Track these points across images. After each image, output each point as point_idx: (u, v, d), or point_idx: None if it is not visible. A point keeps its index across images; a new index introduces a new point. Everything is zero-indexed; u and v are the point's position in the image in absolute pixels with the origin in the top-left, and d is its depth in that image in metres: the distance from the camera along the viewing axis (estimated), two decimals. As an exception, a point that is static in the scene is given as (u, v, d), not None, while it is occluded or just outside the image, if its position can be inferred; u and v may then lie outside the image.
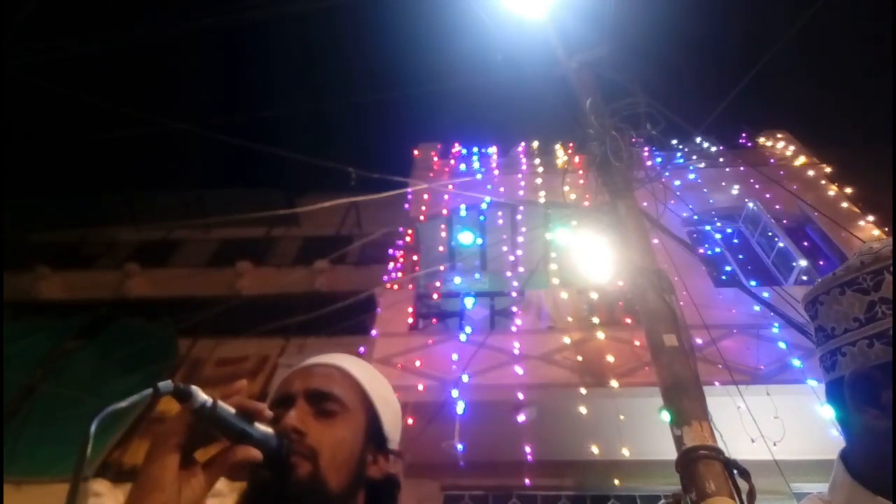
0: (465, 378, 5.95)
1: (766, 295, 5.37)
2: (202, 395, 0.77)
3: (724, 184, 9.06)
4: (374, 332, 6.84)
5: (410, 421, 5.50)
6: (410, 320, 7.31)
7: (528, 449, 5.96)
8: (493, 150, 10.58)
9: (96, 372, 7.60)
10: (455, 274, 8.53)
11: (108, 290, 9.96)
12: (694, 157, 9.59)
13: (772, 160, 9.83)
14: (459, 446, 5.65)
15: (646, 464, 5.93)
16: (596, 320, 6.79)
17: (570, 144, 7.42)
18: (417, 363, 6.29)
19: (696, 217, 8.20)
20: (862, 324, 0.76)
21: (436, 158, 10.36)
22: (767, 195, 8.56)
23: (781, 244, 7.81)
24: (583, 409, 5.77)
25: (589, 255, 4.94)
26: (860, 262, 0.79)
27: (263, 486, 0.87)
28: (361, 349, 6.48)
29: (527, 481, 6.05)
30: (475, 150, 10.62)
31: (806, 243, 8.25)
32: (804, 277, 7.17)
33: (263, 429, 0.84)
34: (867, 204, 8.20)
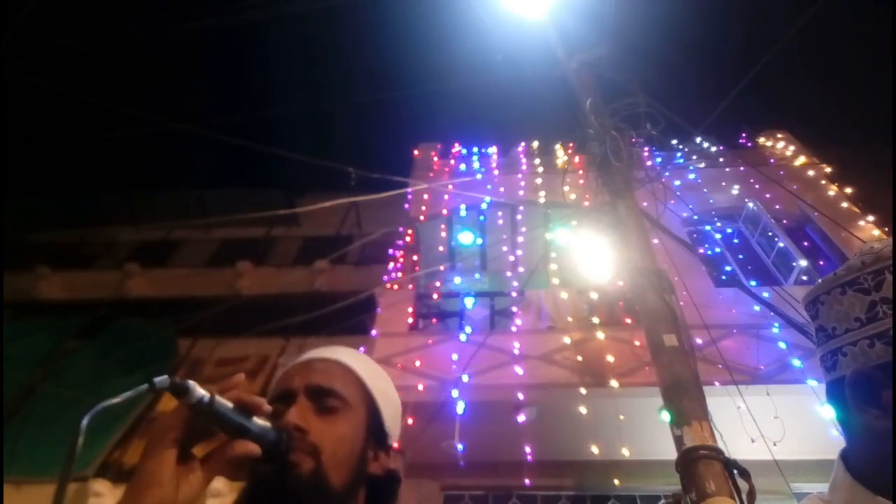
0: (465, 378, 5.95)
1: (766, 295, 5.37)
2: (199, 390, 0.75)
3: (724, 184, 9.06)
4: (374, 332, 6.84)
5: (410, 421, 5.50)
6: (410, 320, 7.31)
7: (528, 449, 5.96)
8: (493, 150, 10.58)
9: (96, 372, 7.60)
10: (455, 274, 8.53)
11: (108, 290, 9.96)
12: (694, 157, 9.59)
13: (772, 160, 9.83)
14: (459, 446, 5.65)
15: (646, 464, 5.93)
16: (596, 320, 6.79)
17: (570, 144, 7.42)
18: (417, 363, 6.30)
19: (696, 217, 8.20)
20: (863, 323, 0.76)
21: (436, 158, 10.36)
22: (767, 195, 8.56)
23: (781, 244, 7.81)
24: (583, 409, 5.77)
25: (589, 255, 4.94)
26: (861, 262, 0.79)
27: (264, 483, 0.87)
28: (361, 349, 6.41)
29: (527, 481, 6.05)
30: (475, 150, 10.63)
31: (806, 243, 8.25)
32: (804, 277, 7.17)
33: (262, 423, 0.83)
34: (867, 204, 8.20)
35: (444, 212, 9.07)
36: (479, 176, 9.67)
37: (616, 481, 6.06)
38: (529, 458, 5.96)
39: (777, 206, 8.52)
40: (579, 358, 6.18)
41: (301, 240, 11.46)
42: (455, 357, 6.28)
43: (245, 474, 0.90)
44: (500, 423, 5.87)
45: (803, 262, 7.27)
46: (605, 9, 5.09)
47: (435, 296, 8.17)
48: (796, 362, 5.69)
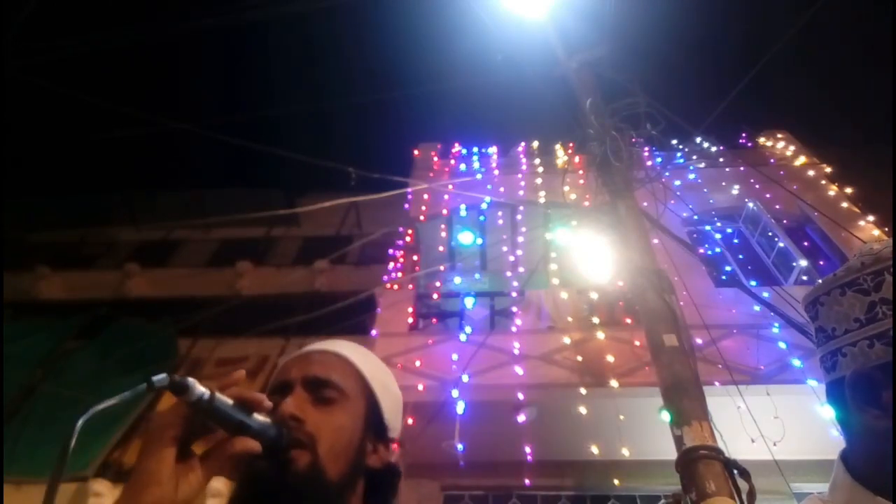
0: (465, 378, 5.95)
1: (766, 295, 5.37)
2: (199, 388, 0.74)
3: (724, 184, 9.06)
4: (374, 332, 6.84)
5: (410, 421, 5.50)
6: (410, 320, 7.31)
7: (528, 449, 5.96)
8: (493, 150, 10.58)
9: (96, 372, 7.60)
10: (455, 274, 8.53)
11: (108, 290, 9.96)
12: (694, 157, 9.59)
13: (772, 160, 9.83)
14: (459, 446, 5.65)
15: (646, 464, 5.93)
16: (596, 320, 6.79)
17: (570, 144, 7.42)
18: (417, 363, 6.30)
19: (696, 217, 8.20)
20: (862, 324, 0.76)
21: (436, 158, 10.36)
22: (767, 195, 8.56)
23: (781, 244, 7.81)
24: (583, 409, 5.77)
25: (589, 255, 4.94)
26: (860, 262, 0.79)
27: (261, 477, 0.85)
28: (361, 349, 6.47)
29: (527, 481, 6.05)
30: (475, 150, 10.62)
31: (806, 243, 8.25)
32: (804, 277, 7.17)
33: (262, 419, 0.82)
34: (867, 204, 8.20)
35: (444, 212, 9.07)
36: (479, 176, 9.67)
37: (616, 481, 6.06)
38: (529, 458, 5.96)
39: (777, 206, 8.52)
40: (579, 358, 6.18)
41: (301, 240, 11.46)
42: (455, 357, 6.28)
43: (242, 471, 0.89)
44: (500, 423, 5.87)
45: (803, 262, 7.27)
46: (605, 9, 5.10)
47: (435, 296, 8.17)
48: (796, 362, 5.69)
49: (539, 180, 9.33)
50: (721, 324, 5.98)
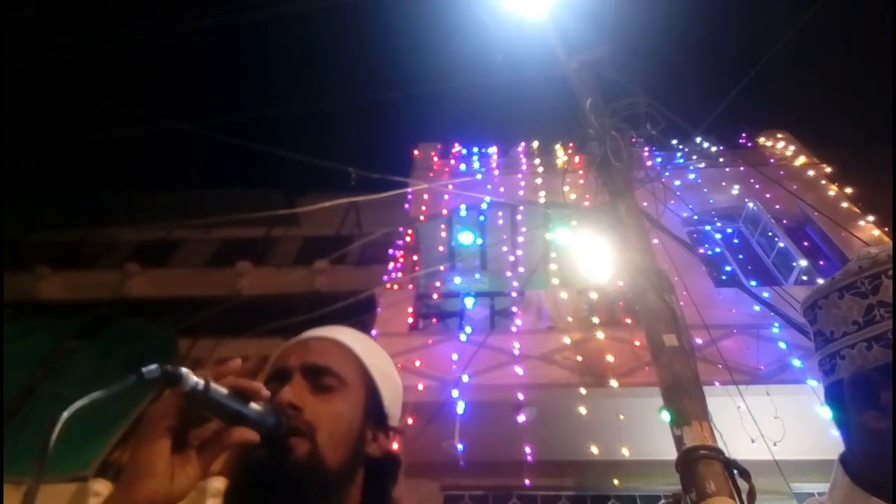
0: (465, 378, 5.95)
1: (766, 295, 5.37)
2: (193, 378, 0.72)
3: (724, 184, 9.06)
4: (374, 332, 6.84)
5: (410, 421, 5.51)
6: (410, 320, 7.31)
7: (528, 449, 5.96)
8: (493, 150, 10.58)
9: (96, 372, 7.60)
10: (455, 274, 8.53)
11: (108, 290, 9.97)
12: (694, 157, 9.59)
13: (772, 160, 9.83)
14: (459, 446, 5.65)
15: (646, 464, 5.93)
16: (596, 320, 6.79)
17: (570, 144, 7.42)
18: (417, 363, 6.30)
19: (696, 217, 8.19)
20: (860, 327, 0.77)
21: (436, 158, 10.36)
22: (767, 195, 8.56)
23: (781, 244, 7.81)
24: (583, 409, 5.77)
25: (589, 255, 4.94)
26: (858, 266, 0.80)
27: (258, 466, 0.84)
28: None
29: (527, 481, 6.05)
30: (475, 150, 10.62)
31: (806, 243, 8.25)
32: (804, 277, 7.17)
33: (259, 408, 0.80)
34: (867, 204, 8.20)
35: (444, 212, 9.07)
36: (479, 176, 9.67)
37: (616, 481, 6.06)
38: (529, 458, 5.96)
39: (777, 206, 8.52)
40: (579, 358, 6.18)
41: (301, 240, 11.47)
42: (455, 357, 6.28)
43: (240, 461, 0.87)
44: (500, 423, 5.86)
45: (803, 262, 7.27)
46: (605, 9, 5.10)
47: (435, 296, 8.17)
48: (796, 362, 5.69)
49: (539, 180, 9.32)
50: (721, 324, 5.98)
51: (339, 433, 0.91)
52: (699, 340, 4.95)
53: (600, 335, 6.31)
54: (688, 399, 3.24)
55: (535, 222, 8.68)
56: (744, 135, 10.61)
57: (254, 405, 0.79)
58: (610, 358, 6.06)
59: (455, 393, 5.83)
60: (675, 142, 8.28)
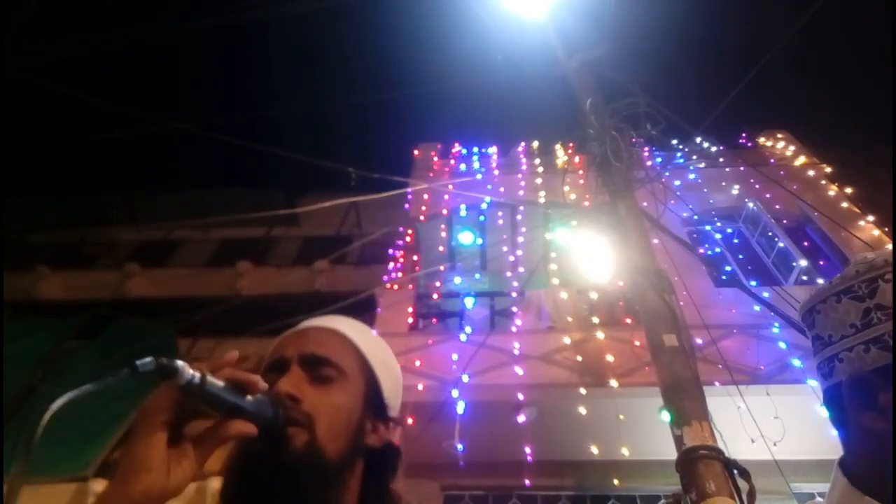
0: (465, 378, 5.95)
1: (766, 295, 5.37)
2: (189, 371, 0.70)
3: (724, 184, 9.06)
4: (374, 332, 6.83)
5: (410, 421, 5.50)
6: (410, 320, 7.31)
7: (528, 449, 5.96)
8: (493, 150, 10.58)
9: (96, 372, 7.59)
10: (455, 274, 8.53)
11: (108, 290, 9.96)
12: (694, 157, 9.59)
13: (772, 160, 9.83)
14: (459, 446, 5.65)
15: (646, 464, 5.93)
16: (596, 320, 6.79)
17: (570, 144, 7.41)
18: (417, 363, 6.29)
19: (696, 217, 8.20)
20: (858, 329, 0.79)
21: (436, 158, 10.36)
22: (767, 195, 8.56)
23: (781, 244, 7.80)
24: (582, 410, 5.77)
25: (589, 255, 4.94)
26: (855, 271, 0.82)
27: (256, 458, 0.83)
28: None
29: (527, 481, 6.05)
30: (475, 150, 10.62)
31: (806, 243, 8.25)
32: (804, 277, 7.17)
33: (257, 401, 0.78)
34: (867, 204, 8.20)
35: (444, 212, 9.07)
36: (479, 176, 9.67)
37: (616, 481, 6.06)
38: (529, 458, 5.95)
39: (777, 206, 8.52)
40: (579, 358, 6.18)
41: (301, 240, 11.46)
42: (455, 357, 6.28)
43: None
44: (500, 423, 5.86)
45: (803, 262, 7.27)
46: (605, 9, 5.10)
47: (435, 296, 8.17)
48: (796, 362, 5.69)
49: (539, 180, 9.33)
50: (721, 324, 5.98)
51: (338, 424, 0.90)
52: (699, 340, 4.95)
53: (600, 335, 6.31)
54: (688, 399, 3.24)
55: (535, 222, 8.68)
56: (744, 135, 10.61)
57: (251, 397, 0.78)
58: (610, 358, 6.06)
59: (455, 393, 5.83)
60: (675, 142, 8.27)
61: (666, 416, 3.27)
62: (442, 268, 8.57)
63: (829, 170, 9.14)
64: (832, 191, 8.75)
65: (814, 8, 4.67)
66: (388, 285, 7.68)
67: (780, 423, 4.79)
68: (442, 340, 6.68)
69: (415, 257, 8.65)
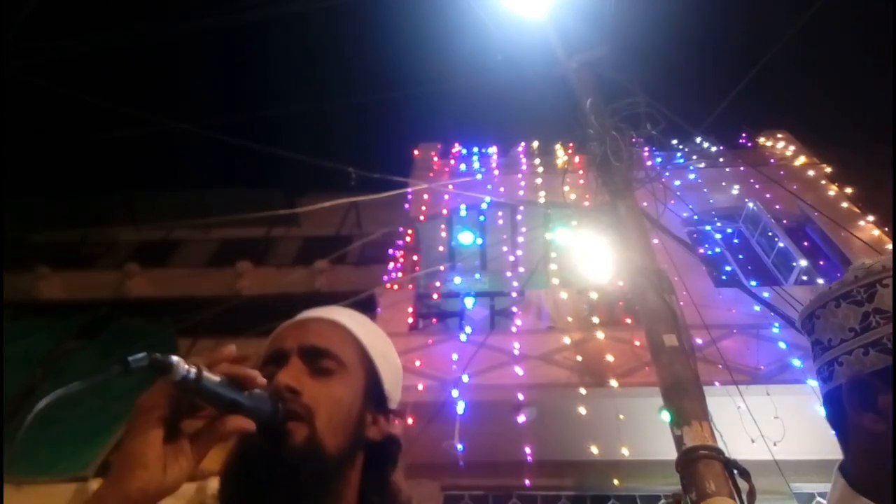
0: (465, 378, 5.95)
1: (766, 295, 5.37)
2: (184, 366, 0.69)
3: (724, 184, 9.06)
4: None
5: (410, 421, 5.50)
6: (410, 320, 7.31)
7: (528, 449, 5.96)
8: (493, 150, 10.58)
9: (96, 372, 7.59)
10: (455, 274, 8.53)
11: (108, 290, 9.97)
12: (694, 157, 9.59)
13: (772, 160, 9.83)
14: (459, 446, 5.65)
15: (646, 464, 5.92)
16: (596, 320, 6.79)
17: (570, 144, 7.41)
18: (417, 363, 6.29)
19: (696, 217, 8.20)
20: (857, 333, 0.80)
21: (436, 158, 10.36)
22: (767, 195, 8.56)
23: (781, 244, 7.80)
24: (582, 410, 5.77)
25: (589, 255, 4.94)
26: (854, 276, 0.84)
27: (255, 452, 0.81)
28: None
29: (527, 481, 6.05)
30: (475, 150, 10.62)
31: (806, 243, 8.25)
32: (804, 277, 7.17)
33: (255, 396, 0.77)
34: (867, 204, 8.20)
35: (444, 212, 9.07)
36: (479, 176, 9.67)
37: (616, 481, 6.06)
38: (529, 458, 5.95)
39: (777, 206, 8.52)
40: (579, 358, 6.18)
41: (301, 240, 11.47)
42: (455, 357, 6.28)
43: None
44: (500, 423, 5.86)
45: (803, 262, 7.27)
46: (605, 9, 5.10)
47: (435, 296, 8.17)
48: (796, 362, 5.69)
49: (539, 180, 9.33)
50: (721, 324, 5.98)
51: (338, 417, 0.88)
52: (699, 340, 4.94)
53: (600, 335, 6.31)
54: (688, 399, 3.24)
55: (535, 222, 8.68)
56: (744, 135, 10.61)
57: (249, 392, 0.76)
58: (610, 358, 6.06)
59: (455, 393, 5.82)
60: (675, 142, 8.28)
61: (666, 416, 3.27)
62: (442, 268, 8.57)
63: (829, 170, 9.14)
64: (832, 191, 8.75)
65: (814, 8, 4.67)
66: (388, 285, 7.68)
67: (780, 423, 4.79)
68: (442, 340, 6.68)
69: (415, 257, 8.65)
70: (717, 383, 4.94)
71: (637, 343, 5.84)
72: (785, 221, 8.43)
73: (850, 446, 0.83)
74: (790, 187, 7.91)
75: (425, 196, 9.04)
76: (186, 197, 12.01)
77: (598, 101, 5.02)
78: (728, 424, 3.63)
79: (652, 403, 3.83)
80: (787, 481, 4.80)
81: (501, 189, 9.29)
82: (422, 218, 8.97)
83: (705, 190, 9.03)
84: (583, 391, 5.82)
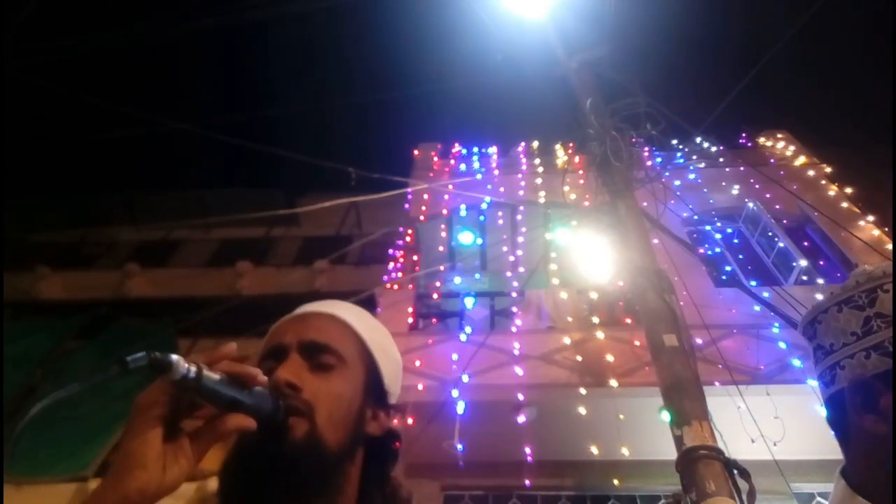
0: (465, 378, 5.95)
1: (766, 295, 5.37)
2: (183, 365, 0.68)
3: (724, 184, 9.06)
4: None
5: (410, 421, 5.50)
6: (410, 320, 7.31)
7: (528, 449, 5.96)
8: (493, 150, 10.58)
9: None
10: (455, 274, 8.53)
11: (108, 290, 9.97)
12: (694, 157, 9.59)
13: (772, 160, 9.83)
14: (459, 446, 5.65)
15: (646, 464, 5.92)
16: (596, 320, 6.78)
17: (570, 144, 7.42)
18: (417, 363, 6.29)
19: (696, 217, 8.20)
20: (859, 337, 0.82)
21: (436, 158, 10.36)
22: (767, 195, 8.56)
23: (781, 244, 7.80)
24: (582, 410, 5.77)
25: (589, 255, 4.94)
26: (855, 281, 0.85)
27: (255, 448, 0.81)
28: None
29: (527, 481, 6.05)
30: (475, 150, 10.62)
31: (806, 243, 8.25)
32: (804, 277, 7.17)
33: (256, 393, 0.76)
34: (867, 204, 8.20)
35: (444, 212, 9.07)
36: (479, 176, 9.67)
37: (616, 481, 6.06)
38: (529, 458, 5.95)
39: (777, 206, 8.52)
40: (579, 358, 6.18)
41: (301, 240, 11.47)
42: (455, 357, 6.27)
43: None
44: (500, 423, 5.86)
45: (803, 262, 7.27)
46: (605, 9, 5.10)
47: (435, 296, 8.17)
48: (796, 362, 5.69)
49: (539, 180, 9.33)
50: (721, 324, 5.98)
51: (338, 413, 0.88)
52: (699, 340, 4.94)
53: (600, 335, 6.31)
54: (688, 399, 3.24)
55: (535, 222, 8.68)
56: (744, 135, 10.61)
57: (250, 390, 0.76)
58: (610, 358, 6.06)
59: (455, 393, 5.82)
60: (675, 142, 8.27)
61: (666, 416, 3.27)
62: (442, 268, 8.57)
63: (829, 170, 9.14)
64: (832, 191, 8.75)
65: (814, 8, 4.67)
66: (388, 285, 7.68)
67: (780, 423, 4.79)
68: (442, 340, 6.68)
69: (415, 257, 8.65)
70: (717, 383, 4.94)
71: (637, 343, 5.84)
72: (785, 221, 8.43)
73: (851, 448, 0.84)
74: (790, 187, 7.91)
75: (425, 196, 9.04)
76: (186, 197, 12.01)
77: (598, 101, 5.02)
78: (728, 424, 3.63)
79: (652, 403, 3.83)
80: (787, 481, 4.80)
81: (501, 189, 9.29)
82: (422, 218, 8.97)
83: (705, 190, 9.03)
84: (583, 391, 5.82)
